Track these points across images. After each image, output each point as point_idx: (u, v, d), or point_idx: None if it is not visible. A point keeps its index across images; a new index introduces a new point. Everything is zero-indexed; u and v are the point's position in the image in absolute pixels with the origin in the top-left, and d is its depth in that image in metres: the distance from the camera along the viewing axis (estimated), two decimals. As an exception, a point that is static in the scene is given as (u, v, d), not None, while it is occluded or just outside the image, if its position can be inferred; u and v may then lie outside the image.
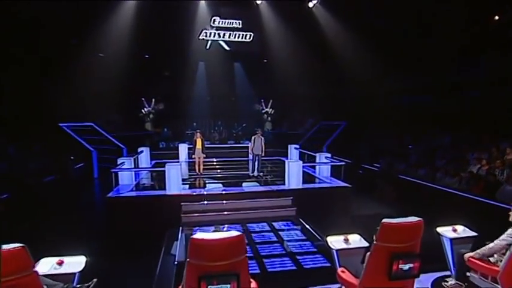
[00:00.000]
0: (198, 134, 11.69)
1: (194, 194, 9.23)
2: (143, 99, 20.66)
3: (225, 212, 8.81)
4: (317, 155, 11.56)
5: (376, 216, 9.44)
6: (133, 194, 9.06)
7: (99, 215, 9.46)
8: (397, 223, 3.42)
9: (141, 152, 12.96)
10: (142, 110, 20.59)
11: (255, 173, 11.65)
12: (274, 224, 8.47)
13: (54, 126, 15.25)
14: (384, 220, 3.44)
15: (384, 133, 17.15)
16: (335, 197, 9.68)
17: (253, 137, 11.67)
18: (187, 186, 10.08)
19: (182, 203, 8.85)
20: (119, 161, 10.03)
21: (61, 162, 12.40)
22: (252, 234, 7.82)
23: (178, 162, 14.21)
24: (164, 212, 8.61)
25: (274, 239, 7.63)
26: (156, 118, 20.57)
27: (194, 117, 21.19)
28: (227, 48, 14.61)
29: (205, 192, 9.34)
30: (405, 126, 16.63)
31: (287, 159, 14.77)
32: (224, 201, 9.06)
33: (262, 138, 11.66)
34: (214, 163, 14.59)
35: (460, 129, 13.41)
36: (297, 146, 14.41)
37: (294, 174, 9.56)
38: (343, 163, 10.19)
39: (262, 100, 22.40)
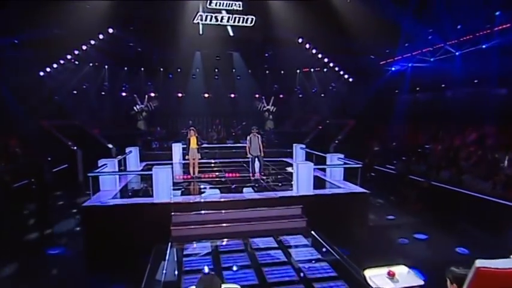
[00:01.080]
0: (192, 131, 10.29)
1: (187, 202, 7.86)
2: (135, 95, 19.28)
3: (223, 224, 7.43)
4: (328, 155, 10.20)
5: (402, 227, 8.03)
6: (115, 202, 7.67)
7: (70, 228, 8.12)
8: (502, 270, 2.06)
9: (130, 152, 11.59)
10: (134, 108, 19.20)
11: (256, 176, 10.31)
12: (282, 238, 7.11)
13: (34, 124, 13.91)
14: (480, 265, 2.08)
15: (396, 131, 15.82)
16: (352, 205, 8.32)
17: (248, 137, 10.32)
18: (180, 192, 8.69)
19: (172, 213, 7.48)
20: (100, 163, 8.64)
21: (37, 163, 10.99)
22: (256, 253, 6.46)
23: (170, 163, 12.93)
24: (151, 224, 7.24)
25: (283, 258, 6.27)
26: (149, 116, 19.18)
27: (190, 115, 19.81)
28: (231, 33, 12.99)
29: (201, 200, 7.96)
30: (420, 123, 15.35)
31: (292, 160, 13.50)
32: (223, 211, 7.69)
33: (259, 136, 10.31)
34: (212, 165, 13.23)
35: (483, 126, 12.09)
36: (303, 146, 13.05)
37: (303, 179, 8.21)
38: (359, 165, 8.83)
39: (263, 97, 21.05)
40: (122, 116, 19.17)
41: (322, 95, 20.69)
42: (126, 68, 18.54)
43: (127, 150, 11.69)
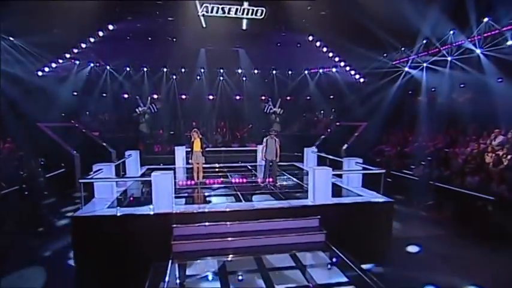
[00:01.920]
0: (195, 133, 9.38)
1: (190, 212, 6.94)
2: (137, 97, 18.48)
3: (231, 238, 6.51)
4: (345, 160, 9.27)
5: (437, 239, 6.97)
6: (109, 212, 6.78)
7: (58, 242, 7.22)
8: None
9: (129, 156, 10.73)
10: (137, 110, 18.37)
11: (267, 182, 9.40)
12: (299, 255, 6.18)
13: (31, 125, 13.11)
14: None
15: (410, 134, 14.85)
16: (375, 216, 7.39)
17: (265, 139, 9.42)
18: (182, 200, 7.78)
19: (174, 226, 6.58)
20: (94, 168, 7.77)
21: (31, 167, 10.15)
22: (270, 273, 5.54)
23: (173, 168, 12.09)
24: (149, 237, 6.35)
25: (302, 279, 5.35)
26: (152, 118, 18.33)
27: (194, 117, 18.98)
28: (244, 26, 11.92)
29: (206, 210, 7.05)
30: (438, 126, 14.33)
31: (303, 164, 12.60)
32: (230, 223, 6.78)
33: (277, 140, 9.41)
34: (217, 169, 12.34)
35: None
36: (315, 150, 12.13)
37: (321, 186, 7.27)
38: (382, 171, 7.88)
39: (270, 99, 20.17)
40: (124, 118, 18.38)
41: (331, 96, 19.81)
42: (128, 69, 17.73)
43: (126, 153, 10.85)
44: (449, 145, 12.75)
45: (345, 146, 15.10)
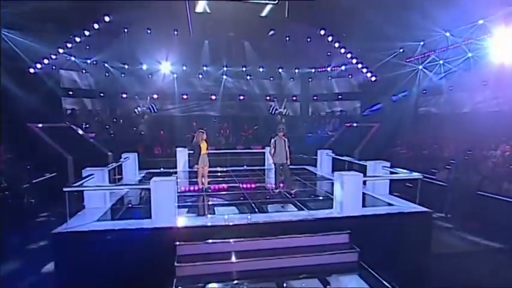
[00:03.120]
0: (202, 134, 8.18)
1: (196, 226, 5.76)
2: (136, 96, 17.35)
3: (247, 259, 5.31)
4: (370, 164, 8.10)
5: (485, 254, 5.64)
6: (99, 226, 5.59)
7: (36, 264, 6.01)
8: None
9: (126, 159, 9.55)
10: (136, 110, 17.24)
11: (280, 189, 8.24)
12: (330, 279, 5.02)
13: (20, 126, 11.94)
14: None
15: (427, 135, 13.74)
16: (413, 229, 6.20)
17: (273, 140, 8.23)
18: (186, 211, 6.60)
19: (177, 243, 5.40)
20: (84, 173, 6.59)
21: (16, 172, 8.96)
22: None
23: (175, 172, 10.93)
24: (148, 258, 5.17)
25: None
26: (152, 119, 17.17)
27: (195, 117, 17.86)
28: (264, 13, 10.62)
29: (215, 224, 5.87)
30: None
31: (316, 169, 11.46)
32: (244, 239, 5.60)
33: (286, 140, 8.23)
34: (219, 174, 11.13)
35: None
36: (330, 152, 10.98)
37: (350, 195, 6.11)
38: (418, 176, 6.72)
39: (275, 99, 19.07)
40: (122, 118, 17.24)
41: (340, 96, 18.74)
42: (126, 66, 16.57)
43: (123, 156, 9.68)
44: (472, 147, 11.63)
45: (358, 148, 13.97)
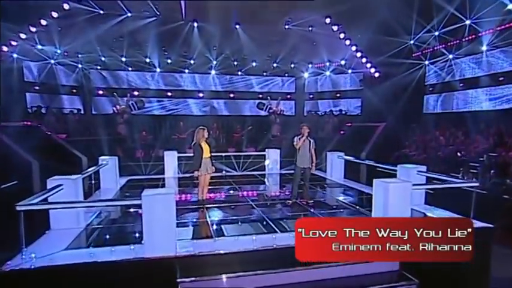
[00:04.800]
0: (202, 131, 6.74)
1: (203, 255, 4.41)
2: (115, 93, 15.71)
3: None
4: (400, 168, 6.98)
5: None
6: (71, 258, 4.13)
7: None
8: None
9: (104, 164, 8.04)
10: (114, 108, 15.59)
11: (299, 200, 7.00)
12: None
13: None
14: None
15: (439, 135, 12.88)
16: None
17: (295, 138, 7.00)
18: (187, 232, 5.21)
19: (179, 280, 4.05)
20: (49, 183, 5.10)
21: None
22: None
23: (162, 178, 9.54)
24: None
25: None
26: (132, 118, 15.57)
27: (181, 116, 16.44)
28: None
29: (228, 251, 4.53)
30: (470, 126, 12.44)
31: (325, 173, 10.30)
32: (265, 272, 4.30)
33: (312, 141, 7.01)
34: (216, 181, 9.76)
35: None
36: (341, 154, 9.85)
37: (396, 209, 4.93)
38: (475, 183, 5.63)
39: (269, 97, 17.87)
40: (98, 117, 15.57)
41: (338, 95, 17.75)
42: (103, 58, 14.96)
43: (100, 160, 8.17)
44: (492, 148, 10.80)
45: (365, 150, 12.96)
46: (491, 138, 11.03)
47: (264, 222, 5.70)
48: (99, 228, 5.50)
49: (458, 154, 11.04)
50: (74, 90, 15.67)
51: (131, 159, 11.77)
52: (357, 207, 6.79)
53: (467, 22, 11.51)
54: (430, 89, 14.83)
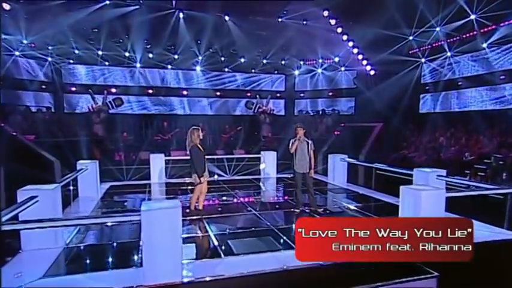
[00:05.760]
0: (198, 131, 6.11)
1: (215, 279, 3.81)
2: (90, 90, 14.76)
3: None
4: (417, 173, 6.61)
5: None
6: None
7: None
8: None
9: (83, 169, 7.25)
10: (89, 107, 14.63)
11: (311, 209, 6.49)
12: None
13: None
14: None
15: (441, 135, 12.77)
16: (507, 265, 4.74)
17: (292, 140, 6.49)
18: (189, 250, 4.58)
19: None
20: (21, 194, 4.33)
21: None
22: None
23: (148, 184, 8.86)
24: None
25: None
26: (110, 117, 14.66)
27: (164, 116, 15.68)
28: None
29: (240, 273, 3.95)
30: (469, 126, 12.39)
31: (326, 178, 9.87)
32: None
33: (310, 142, 6.51)
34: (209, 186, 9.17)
35: None
36: (344, 157, 9.45)
37: (431, 220, 4.50)
38: (510, 190, 5.31)
39: (258, 95, 17.40)
40: (71, 116, 14.58)
41: (330, 93, 17.45)
42: (76, 51, 13.99)
43: (78, 165, 7.38)
44: (497, 149, 10.72)
45: (363, 151, 12.64)
46: (495, 138, 10.97)
47: (275, 236, 5.15)
48: (83, 247, 4.78)
49: (465, 155, 10.86)
50: (44, 86, 14.57)
51: (111, 163, 10.95)
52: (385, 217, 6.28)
53: (473, 17, 11.37)
54: (427, 87, 14.78)
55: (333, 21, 11.91)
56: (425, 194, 4.51)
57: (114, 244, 4.88)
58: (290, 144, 6.45)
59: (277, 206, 7.23)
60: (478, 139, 11.46)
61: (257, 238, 5.09)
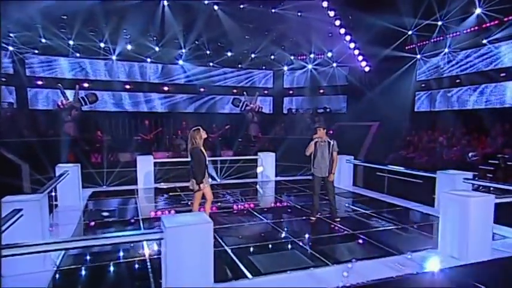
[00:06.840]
0: (200, 132, 5.56)
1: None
2: (59, 85, 13.75)
3: None
4: (440, 176, 6.37)
5: None
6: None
7: None
8: None
9: (64, 174, 6.49)
10: (59, 103, 13.61)
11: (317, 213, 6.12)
12: None
13: None
14: None
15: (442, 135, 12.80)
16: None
17: (312, 143, 6.09)
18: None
19: None
20: (5, 207, 3.66)
21: None
22: None
23: (135, 189, 8.21)
24: None
25: None
26: (83, 115, 13.73)
27: (144, 114, 14.93)
28: None
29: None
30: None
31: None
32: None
33: (333, 143, 6.14)
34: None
35: None
36: (350, 158, 9.17)
37: (477, 229, 4.21)
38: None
39: (245, 93, 16.93)
40: (39, 114, 13.54)
41: (321, 91, 17.24)
42: (44, 40, 12.98)
43: (58, 170, 6.63)
44: (501, 149, 10.82)
45: (361, 152, 12.49)
46: (500, 138, 11.06)
47: (301, 249, 4.71)
48: (78, 270, 4.12)
49: (469, 155, 10.88)
50: (4, 79, 13.43)
51: (90, 166, 10.16)
52: (414, 226, 5.91)
53: (478, 11, 11.42)
54: (423, 85, 14.83)
55: (331, 13, 11.62)
56: (474, 201, 4.21)
57: (120, 264, 4.25)
58: (309, 148, 6.07)
59: (289, 213, 6.79)
60: (479, 138, 11.55)
61: (280, 252, 4.64)
